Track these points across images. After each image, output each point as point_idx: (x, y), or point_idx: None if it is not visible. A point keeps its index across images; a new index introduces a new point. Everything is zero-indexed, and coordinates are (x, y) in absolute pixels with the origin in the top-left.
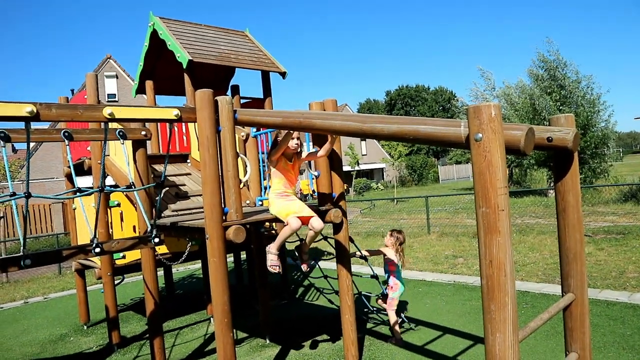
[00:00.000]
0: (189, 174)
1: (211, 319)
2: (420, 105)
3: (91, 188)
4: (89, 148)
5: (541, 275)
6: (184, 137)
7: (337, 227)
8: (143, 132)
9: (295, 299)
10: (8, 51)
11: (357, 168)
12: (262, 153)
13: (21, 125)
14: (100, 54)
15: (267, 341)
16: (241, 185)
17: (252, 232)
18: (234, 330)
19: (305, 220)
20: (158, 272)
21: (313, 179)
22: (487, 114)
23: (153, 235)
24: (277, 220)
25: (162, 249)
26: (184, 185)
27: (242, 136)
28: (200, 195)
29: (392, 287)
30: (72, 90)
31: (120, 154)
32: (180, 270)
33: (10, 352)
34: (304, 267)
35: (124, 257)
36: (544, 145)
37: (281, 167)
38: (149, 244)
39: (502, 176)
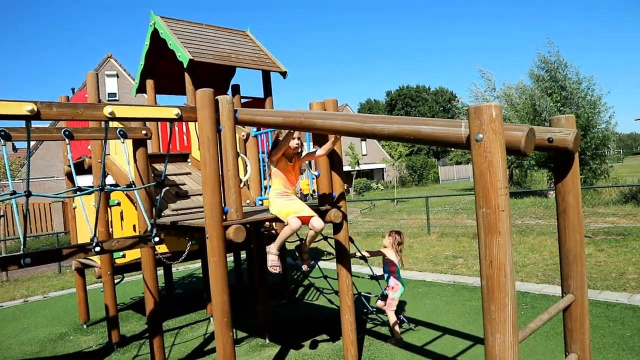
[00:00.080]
0: (189, 173)
1: (211, 318)
2: (420, 105)
3: (91, 187)
4: (89, 147)
5: (541, 276)
6: (185, 137)
7: (337, 227)
8: (143, 131)
9: (295, 299)
10: (8, 51)
11: (357, 168)
12: (263, 153)
13: (22, 124)
14: (101, 53)
15: (267, 341)
16: (241, 185)
17: (252, 232)
18: (234, 330)
19: (305, 220)
20: (158, 272)
21: (313, 178)
22: (488, 114)
23: (153, 234)
24: (277, 220)
25: (162, 248)
26: (184, 184)
27: (243, 136)
28: (200, 194)
29: (392, 288)
30: (73, 89)
31: (120, 153)
32: (180, 269)
33: (9, 351)
34: (304, 267)
35: (124, 256)
36: (545, 146)
37: (282, 167)
38: (149, 243)
39: (503, 177)
